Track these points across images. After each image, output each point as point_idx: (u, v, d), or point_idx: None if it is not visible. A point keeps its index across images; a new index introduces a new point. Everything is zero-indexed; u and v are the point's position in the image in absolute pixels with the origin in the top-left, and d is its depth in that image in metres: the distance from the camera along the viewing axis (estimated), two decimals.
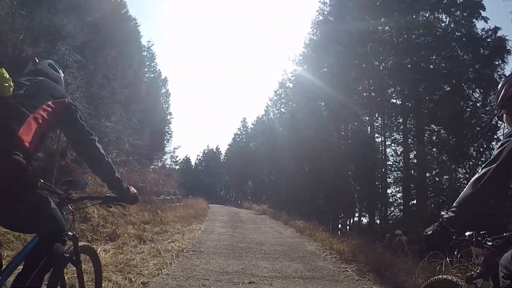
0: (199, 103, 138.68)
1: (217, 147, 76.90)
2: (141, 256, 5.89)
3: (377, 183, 23.83)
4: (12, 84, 1.96)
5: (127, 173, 16.05)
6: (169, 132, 47.77)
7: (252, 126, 57.31)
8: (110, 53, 21.42)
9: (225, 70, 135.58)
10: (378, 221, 23.17)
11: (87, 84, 13.57)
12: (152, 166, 33.11)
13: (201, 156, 78.77)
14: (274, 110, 42.27)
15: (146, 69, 40.40)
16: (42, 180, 2.15)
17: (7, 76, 1.95)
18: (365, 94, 25.40)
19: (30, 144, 1.82)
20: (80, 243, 2.47)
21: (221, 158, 74.38)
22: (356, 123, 27.05)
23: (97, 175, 2.33)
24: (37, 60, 2.43)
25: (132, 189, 2.31)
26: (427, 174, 19.27)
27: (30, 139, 1.82)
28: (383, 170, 23.94)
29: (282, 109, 39.07)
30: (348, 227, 24.04)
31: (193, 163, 79.40)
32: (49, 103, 2.02)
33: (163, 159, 46.06)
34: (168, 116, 48.21)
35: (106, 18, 21.26)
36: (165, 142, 46.61)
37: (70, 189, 2.42)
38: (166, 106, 47.94)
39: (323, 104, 29.80)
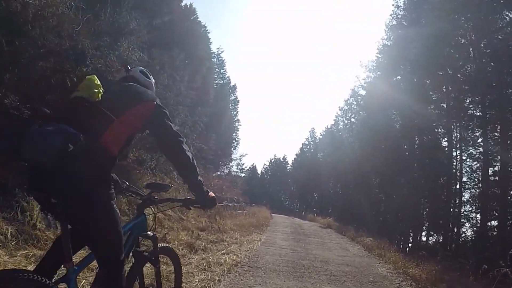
0: (267, 111, 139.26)
1: (284, 156, 76.45)
2: (187, 268, 5.17)
3: (450, 200, 22.00)
4: (101, 91, 2.03)
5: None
6: (237, 139, 48.01)
7: (321, 137, 56.03)
8: (178, 56, 21.53)
9: (294, 78, 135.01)
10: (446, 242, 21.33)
11: None
12: (217, 172, 33.21)
13: (268, 165, 78.66)
14: (344, 120, 40.77)
15: (215, 76, 41.07)
16: (127, 183, 2.49)
17: (98, 82, 2.04)
18: (441, 104, 23.54)
19: (114, 147, 1.97)
20: (161, 244, 2.63)
21: (288, 168, 73.68)
22: (429, 136, 25.19)
23: (181, 176, 2.36)
24: (129, 67, 2.53)
25: (211, 193, 2.35)
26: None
27: (114, 142, 1.97)
28: (457, 187, 22.19)
29: (352, 119, 37.56)
30: (408, 247, 22.68)
31: (259, 171, 79.42)
32: (137, 106, 2.13)
33: (229, 166, 46.34)
34: (236, 123, 48.44)
35: (175, 22, 21.47)
36: (232, 149, 46.88)
37: (154, 191, 2.58)
38: (234, 113, 48.23)
39: (396, 113, 28.14)
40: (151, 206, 2.60)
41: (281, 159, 76.16)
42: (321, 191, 51.36)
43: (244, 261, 6.73)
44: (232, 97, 48.38)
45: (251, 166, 75.37)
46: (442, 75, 20.68)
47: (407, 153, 27.50)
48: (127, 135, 2.09)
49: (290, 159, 72.88)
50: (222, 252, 7.21)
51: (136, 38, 12.18)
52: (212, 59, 39.28)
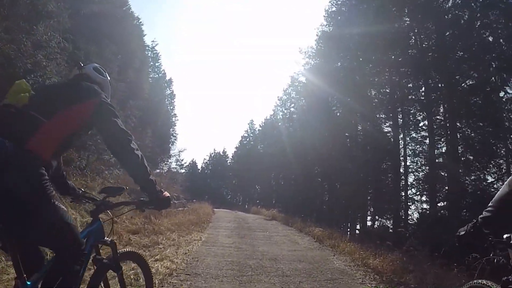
0: (205, 105, 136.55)
1: (223, 150, 75.31)
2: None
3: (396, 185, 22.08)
4: (30, 94, 2.01)
5: (120, 174, 14.38)
6: (174, 135, 46.47)
7: (260, 128, 55.53)
8: (108, 47, 19.91)
9: (231, 70, 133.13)
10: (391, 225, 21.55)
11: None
12: (157, 170, 31.66)
13: (208, 160, 77.28)
14: (283, 110, 40.41)
15: (150, 70, 39.18)
16: (82, 189, 2.64)
17: (26, 86, 2.03)
18: (383, 89, 23.56)
19: (43, 150, 1.90)
20: (123, 250, 2.66)
21: (228, 161, 72.62)
22: (372, 121, 25.13)
23: (131, 176, 2.18)
24: (81, 64, 2.48)
25: (165, 192, 2.24)
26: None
27: (43, 146, 1.90)
28: (401, 170, 22.30)
29: (292, 109, 37.29)
30: (356, 233, 22.70)
31: (199, 166, 77.96)
32: (76, 105, 2.07)
33: (168, 163, 44.68)
34: (173, 118, 46.77)
35: (105, 12, 19.78)
36: (170, 145, 45.22)
37: (108, 195, 2.50)
38: (171, 108, 46.51)
39: (336, 100, 27.97)
40: (107, 211, 2.51)
41: (221, 153, 75.06)
42: (264, 183, 50.83)
43: (181, 267, 5.69)
44: (168, 91, 46.64)
45: (191, 162, 74.61)
46: (384, 60, 20.49)
47: (348, 140, 27.33)
48: (62, 137, 2.02)
49: (230, 153, 71.91)
50: (155, 258, 6.12)
51: (55, 22, 10.99)
52: (146, 52, 37.44)
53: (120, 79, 20.56)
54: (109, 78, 2.60)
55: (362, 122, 25.57)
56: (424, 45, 19.27)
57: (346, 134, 27.14)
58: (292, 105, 37.68)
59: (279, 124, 40.05)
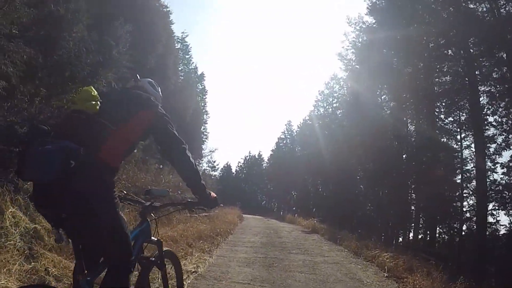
0: (240, 105, 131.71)
1: (259, 153, 71.53)
2: None
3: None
4: (99, 102, 2.05)
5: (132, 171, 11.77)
6: (205, 133, 43.06)
7: (298, 130, 51.30)
8: (122, 26, 16.69)
9: (268, 67, 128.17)
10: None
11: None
12: None
13: (242, 163, 73.78)
14: (324, 105, 36.14)
15: (179, 62, 36.39)
16: (125, 192, 2.68)
17: (95, 93, 2.07)
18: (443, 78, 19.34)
19: (113, 159, 2.04)
20: (164, 248, 2.63)
21: (264, 165, 68.85)
22: (425, 119, 21.02)
23: (184, 181, 2.31)
24: (138, 77, 2.60)
25: (213, 194, 2.37)
26: None
27: (113, 154, 2.03)
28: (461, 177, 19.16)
29: (335, 104, 33.10)
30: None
31: (233, 170, 74.64)
32: (138, 114, 2.15)
33: (199, 164, 41.58)
34: (204, 115, 43.45)
35: None
36: (201, 144, 42.05)
37: (152, 197, 2.62)
38: (202, 104, 43.26)
39: (385, 94, 23.93)
40: (152, 213, 2.57)
41: (256, 156, 71.42)
42: (300, 188, 46.51)
43: None
44: (200, 87, 43.61)
45: (225, 165, 72.20)
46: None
47: (396, 143, 23.13)
48: (128, 145, 2.15)
49: (266, 156, 68.09)
50: None
51: None
52: (176, 44, 34.72)
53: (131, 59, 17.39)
54: (161, 94, 2.66)
55: (416, 118, 21.57)
56: None
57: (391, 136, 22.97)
58: (335, 100, 33.62)
59: (319, 122, 35.76)
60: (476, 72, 16.71)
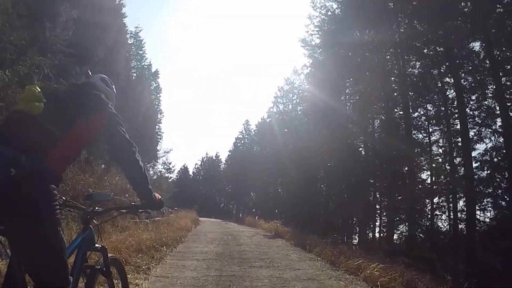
0: (197, 106, 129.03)
1: (216, 154, 70.09)
2: None
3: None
4: (43, 103, 1.89)
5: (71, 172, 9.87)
6: (160, 133, 40.69)
7: (256, 129, 49.77)
8: (65, 11, 14.57)
9: (224, 68, 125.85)
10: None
11: None
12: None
13: (200, 165, 71.97)
14: (284, 101, 34.71)
15: (132, 58, 34.14)
16: (63, 198, 2.33)
17: (39, 93, 1.92)
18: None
19: (60, 166, 1.88)
20: (109, 255, 2.49)
21: (222, 166, 67.05)
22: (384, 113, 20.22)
23: (130, 184, 2.23)
24: (89, 73, 2.43)
25: (157, 195, 2.27)
26: None
27: (60, 161, 1.87)
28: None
29: (295, 101, 31.79)
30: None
31: (191, 172, 72.45)
32: (90, 117, 1.99)
33: (154, 165, 39.35)
34: (159, 115, 41.10)
35: None
36: (155, 145, 39.68)
37: (94, 203, 2.47)
38: (156, 102, 40.93)
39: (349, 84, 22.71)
40: (95, 218, 2.43)
41: (214, 157, 69.94)
42: (259, 190, 45.01)
43: None
44: (154, 85, 41.23)
45: (182, 167, 71.15)
46: None
47: (361, 138, 22.17)
48: (75, 151, 2.03)
49: (223, 157, 66.39)
50: None
51: None
52: (128, 39, 32.52)
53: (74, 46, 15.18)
54: (115, 91, 2.52)
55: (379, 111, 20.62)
56: None
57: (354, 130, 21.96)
58: (295, 96, 32.33)
59: (279, 118, 34.36)
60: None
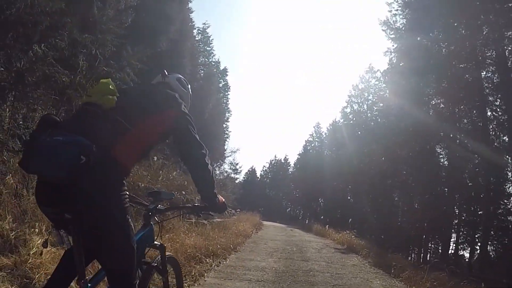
0: (267, 107, 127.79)
1: (285, 157, 68.30)
2: None
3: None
4: (116, 97, 1.92)
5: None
6: (226, 132, 39.79)
7: (327, 132, 47.20)
8: None
9: (296, 70, 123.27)
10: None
11: None
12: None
13: (267, 167, 70.62)
14: (359, 101, 32.16)
15: (200, 55, 33.57)
16: (128, 193, 2.15)
17: (113, 87, 1.94)
18: None
19: (127, 160, 1.89)
20: (167, 253, 2.50)
21: (290, 170, 65.23)
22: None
23: (196, 185, 2.18)
24: (166, 73, 2.42)
25: (221, 198, 2.25)
26: None
27: (127, 155, 1.88)
28: None
29: (370, 100, 29.25)
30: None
31: (258, 175, 71.39)
32: (157, 114, 2.01)
33: (221, 164, 38.71)
34: (226, 113, 40.23)
35: None
36: (223, 145, 38.81)
37: (157, 200, 2.44)
38: (225, 100, 40.05)
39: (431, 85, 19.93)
40: (156, 216, 2.44)
41: (282, 160, 68.25)
42: (329, 196, 42.33)
43: None
44: (222, 82, 40.48)
45: (250, 169, 70.17)
46: None
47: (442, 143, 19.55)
48: (144, 147, 2.03)
49: (292, 161, 64.58)
50: None
51: None
52: (194, 33, 32.13)
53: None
54: (190, 92, 2.57)
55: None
56: None
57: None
58: (370, 96, 29.76)
59: (353, 120, 31.87)
60: None
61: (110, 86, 1.90)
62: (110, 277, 1.88)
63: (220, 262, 6.48)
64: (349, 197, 37.12)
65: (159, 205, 2.39)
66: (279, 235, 14.47)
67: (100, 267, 1.98)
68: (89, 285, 1.82)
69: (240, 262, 6.87)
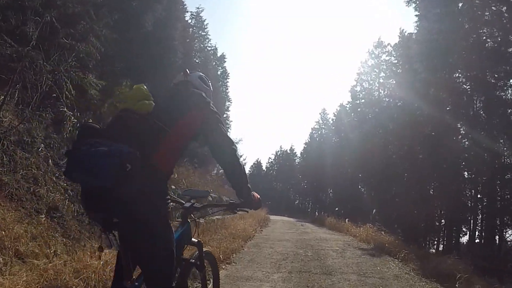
0: (270, 95, 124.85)
1: (291, 147, 66.10)
2: None
3: None
4: (152, 103, 1.93)
5: None
6: (228, 122, 37.80)
7: (334, 118, 44.63)
8: None
9: (298, 54, 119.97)
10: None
11: None
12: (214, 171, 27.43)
13: (273, 159, 68.28)
14: (369, 79, 29.64)
15: (195, 40, 31.37)
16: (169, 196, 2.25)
17: (147, 92, 1.96)
18: None
19: (169, 162, 1.93)
20: (204, 249, 2.53)
21: (296, 160, 62.92)
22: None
23: (230, 182, 2.20)
24: (188, 72, 2.39)
25: (256, 194, 2.25)
26: None
27: (169, 158, 1.92)
28: None
29: (382, 78, 26.83)
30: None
31: (264, 167, 69.24)
32: (190, 114, 2.02)
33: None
34: (226, 102, 38.03)
35: None
36: None
37: (193, 198, 2.52)
38: (224, 89, 37.78)
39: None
40: (193, 214, 2.52)
41: (288, 151, 66.01)
42: (338, 185, 39.73)
43: None
44: (220, 69, 38.24)
45: (255, 162, 69.54)
46: None
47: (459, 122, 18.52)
48: (181, 147, 2.03)
49: (298, 151, 62.54)
50: None
51: None
52: (188, 19, 30.29)
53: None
54: (211, 88, 2.49)
55: None
56: None
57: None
58: (381, 73, 27.32)
59: (363, 101, 29.42)
60: None
61: (145, 91, 1.93)
62: (148, 278, 1.87)
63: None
64: (360, 187, 34.67)
65: (195, 203, 2.42)
66: (288, 233, 12.06)
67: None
68: (136, 284, 1.86)
69: (231, 284, 4.50)
